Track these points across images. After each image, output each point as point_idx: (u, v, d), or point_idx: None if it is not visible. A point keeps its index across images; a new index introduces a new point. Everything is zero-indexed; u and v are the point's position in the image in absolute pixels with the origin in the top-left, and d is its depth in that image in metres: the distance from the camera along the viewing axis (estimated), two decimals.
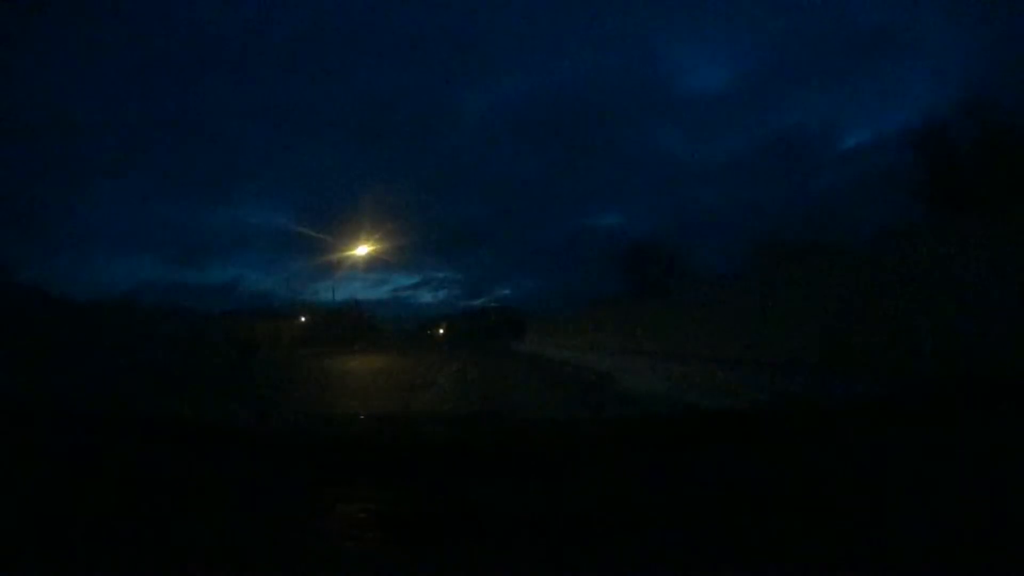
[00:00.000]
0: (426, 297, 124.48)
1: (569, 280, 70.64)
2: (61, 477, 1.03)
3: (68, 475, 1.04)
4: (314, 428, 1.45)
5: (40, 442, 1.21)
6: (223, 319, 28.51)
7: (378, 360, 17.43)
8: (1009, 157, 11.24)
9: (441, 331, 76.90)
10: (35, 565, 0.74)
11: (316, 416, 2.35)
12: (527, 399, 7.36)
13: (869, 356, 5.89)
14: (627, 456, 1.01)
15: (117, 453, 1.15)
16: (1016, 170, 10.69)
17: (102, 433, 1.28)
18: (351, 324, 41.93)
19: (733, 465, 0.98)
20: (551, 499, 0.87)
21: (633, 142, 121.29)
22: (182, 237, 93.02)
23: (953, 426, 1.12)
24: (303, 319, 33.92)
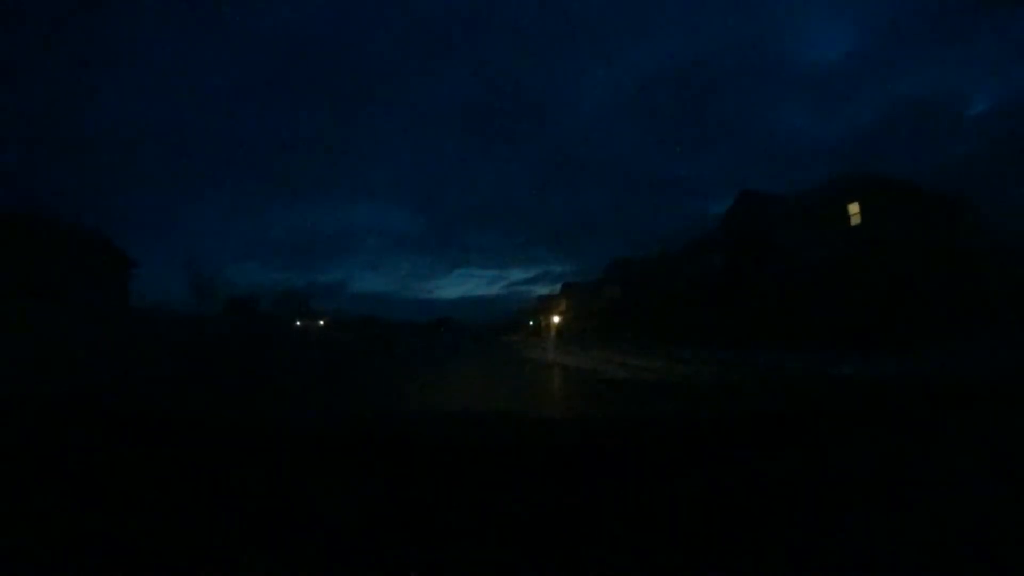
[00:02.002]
0: (542, 291, 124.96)
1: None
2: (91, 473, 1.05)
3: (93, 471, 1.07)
4: (314, 427, 1.45)
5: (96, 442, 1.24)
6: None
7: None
8: None
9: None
10: (37, 564, 0.74)
11: (316, 415, 2.28)
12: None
13: None
14: (628, 456, 1.02)
15: (111, 452, 1.15)
16: None
17: (99, 432, 1.30)
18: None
19: (733, 465, 0.98)
20: (551, 498, 0.87)
21: (756, 121, 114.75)
22: (292, 238, 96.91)
23: (953, 426, 1.14)
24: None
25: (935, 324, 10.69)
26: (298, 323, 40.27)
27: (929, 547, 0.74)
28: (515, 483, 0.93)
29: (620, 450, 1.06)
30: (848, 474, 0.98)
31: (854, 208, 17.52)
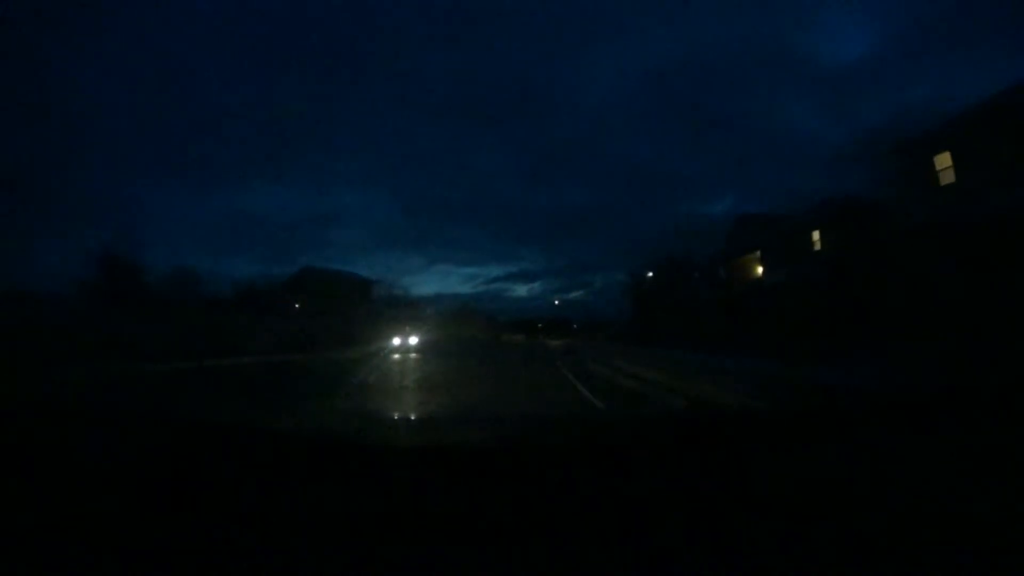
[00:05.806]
0: (520, 291, 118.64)
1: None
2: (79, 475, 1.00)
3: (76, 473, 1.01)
4: (313, 427, 1.44)
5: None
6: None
7: None
8: None
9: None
10: (42, 565, 0.73)
11: (315, 415, 2.12)
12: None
13: None
14: (628, 455, 1.02)
15: (115, 450, 1.11)
16: None
17: (102, 431, 1.24)
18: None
19: (733, 465, 0.99)
20: (551, 499, 0.87)
21: (754, 119, 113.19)
22: (269, 227, 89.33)
23: (953, 428, 1.15)
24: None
25: None
26: None
27: None
28: (518, 483, 0.92)
29: (629, 448, 1.06)
30: None
31: None
